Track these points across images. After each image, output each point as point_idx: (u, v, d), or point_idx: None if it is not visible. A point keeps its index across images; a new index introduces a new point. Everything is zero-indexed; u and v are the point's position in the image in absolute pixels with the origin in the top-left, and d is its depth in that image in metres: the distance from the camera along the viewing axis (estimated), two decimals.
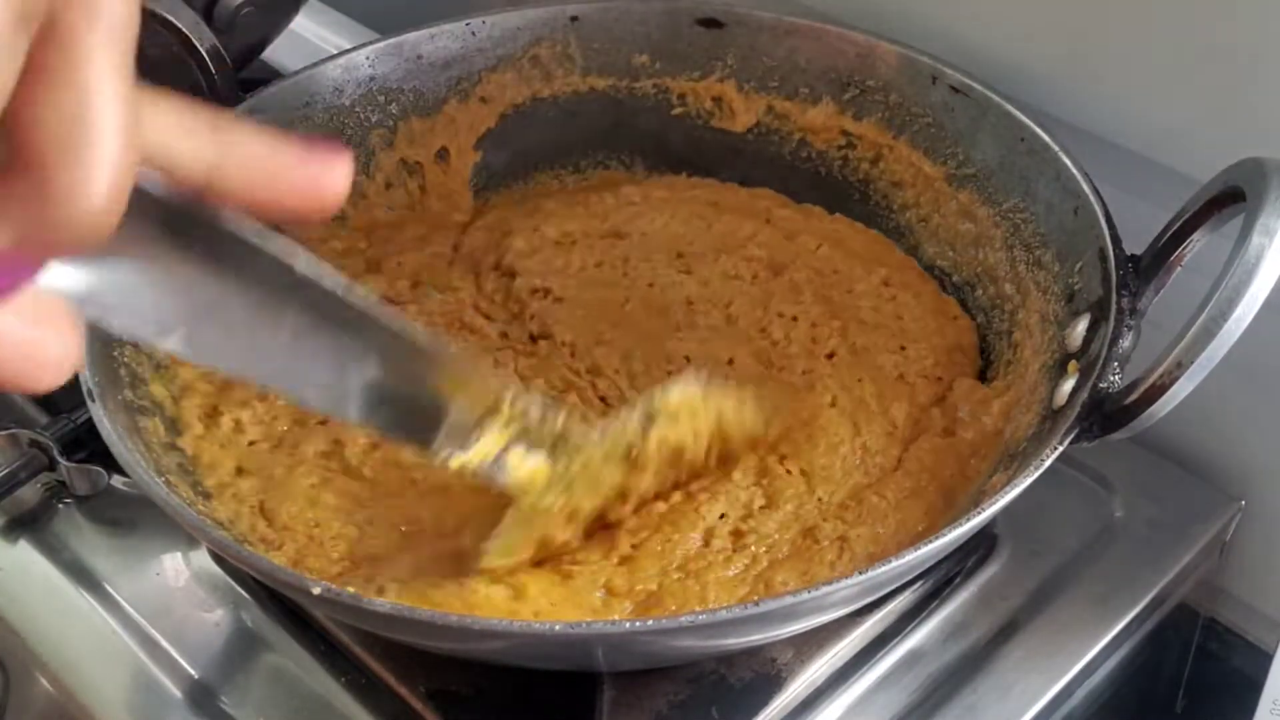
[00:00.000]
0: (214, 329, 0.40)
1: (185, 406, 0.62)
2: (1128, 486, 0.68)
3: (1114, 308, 0.54)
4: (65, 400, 0.68)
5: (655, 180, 0.79)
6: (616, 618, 0.54)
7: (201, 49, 0.68)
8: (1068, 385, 0.55)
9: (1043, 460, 0.50)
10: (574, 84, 0.78)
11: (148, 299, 0.38)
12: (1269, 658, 0.64)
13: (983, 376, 0.66)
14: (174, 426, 0.61)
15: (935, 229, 0.71)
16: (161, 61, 0.74)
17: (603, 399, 0.65)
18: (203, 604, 0.63)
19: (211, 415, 0.62)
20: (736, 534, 0.58)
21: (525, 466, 0.53)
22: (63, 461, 0.65)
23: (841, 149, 0.75)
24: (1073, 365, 0.56)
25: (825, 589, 0.46)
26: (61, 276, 0.33)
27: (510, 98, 0.78)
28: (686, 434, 0.57)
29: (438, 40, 0.76)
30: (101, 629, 0.62)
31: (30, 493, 0.68)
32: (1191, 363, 0.48)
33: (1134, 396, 0.50)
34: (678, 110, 0.78)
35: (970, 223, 0.69)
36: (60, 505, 0.67)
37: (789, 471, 0.60)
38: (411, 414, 0.49)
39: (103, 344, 0.58)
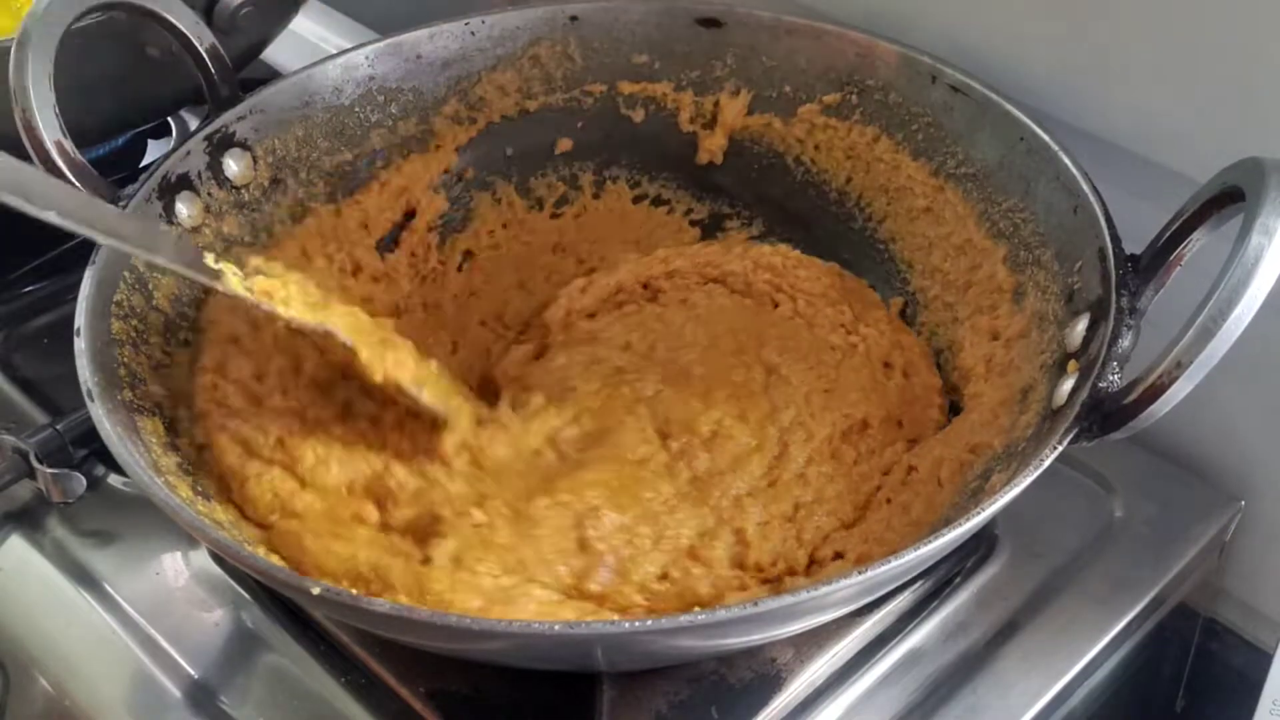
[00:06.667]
0: None
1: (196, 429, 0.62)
2: (1128, 486, 0.68)
3: (1113, 307, 0.54)
4: (65, 404, 0.68)
5: None
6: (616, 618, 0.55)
7: (201, 49, 0.68)
8: (1067, 385, 0.55)
9: (1043, 460, 0.50)
10: (575, 81, 0.78)
11: None
12: (1269, 658, 0.65)
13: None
14: (174, 427, 0.61)
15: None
16: (161, 61, 0.74)
17: None
18: (203, 604, 0.63)
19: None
20: None
21: None
22: (40, 468, 0.65)
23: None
24: (1072, 365, 0.56)
25: (825, 589, 0.46)
26: None
27: (512, 100, 0.78)
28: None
29: (437, 40, 0.76)
30: (101, 629, 0.62)
31: (29, 492, 0.68)
32: (1191, 362, 0.48)
33: (1134, 396, 0.50)
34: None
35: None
36: (60, 505, 0.67)
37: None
38: None
39: (103, 344, 0.58)
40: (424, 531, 0.59)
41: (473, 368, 0.72)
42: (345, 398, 0.65)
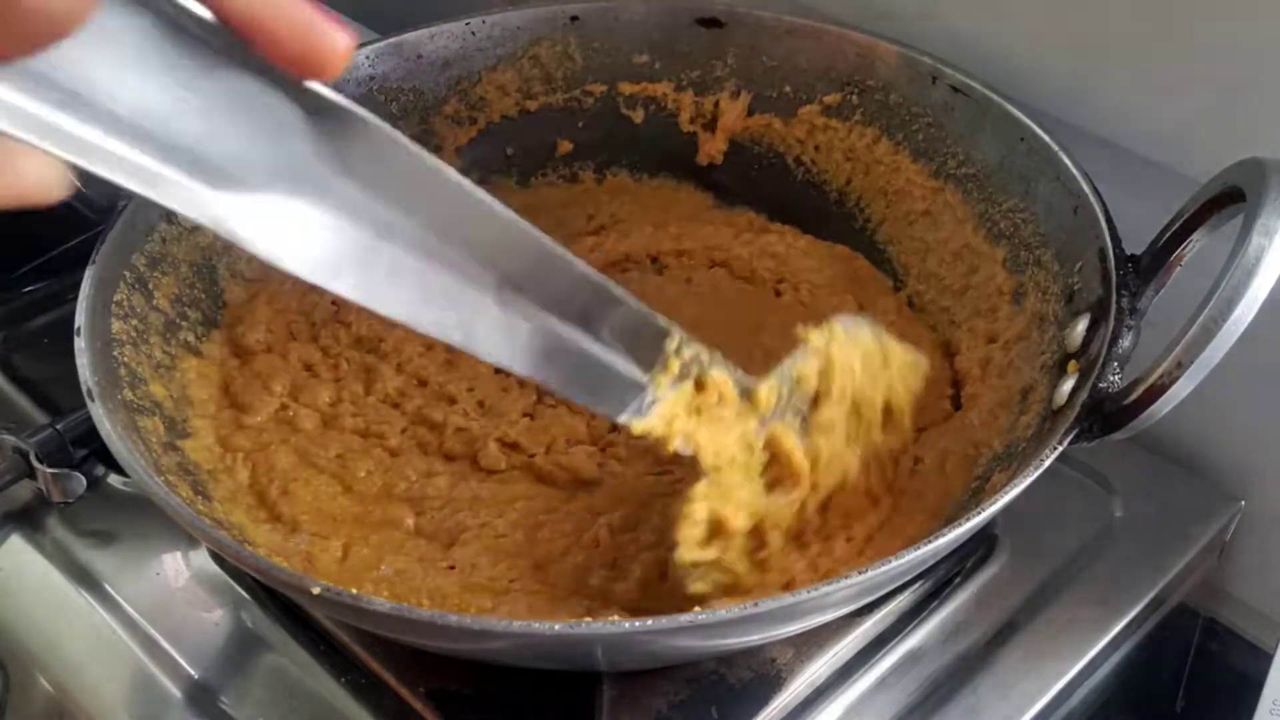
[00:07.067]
0: (380, 272, 0.41)
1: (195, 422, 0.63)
2: (1128, 486, 0.68)
3: (1114, 308, 0.54)
4: (65, 403, 0.68)
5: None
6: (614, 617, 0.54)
7: None
8: (1068, 385, 0.55)
9: (1042, 460, 0.50)
10: (575, 81, 0.78)
11: (312, 239, 0.39)
12: (1269, 658, 0.64)
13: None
14: (174, 427, 0.61)
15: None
16: None
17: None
18: (203, 604, 0.63)
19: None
20: None
21: (705, 431, 0.53)
22: (40, 468, 0.65)
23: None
24: (1072, 365, 0.56)
25: (825, 589, 0.46)
26: (230, 217, 0.36)
27: (512, 100, 0.78)
28: (855, 383, 0.57)
29: (438, 40, 0.76)
30: (101, 629, 0.62)
31: (29, 492, 0.68)
32: (1191, 363, 0.48)
33: (1134, 396, 0.50)
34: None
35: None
36: (60, 505, 0.67)
37: None
38: (582, 366, 0.49)
39: (103, 344, 0.58)
40: (449, 536, 0.60)
41: None
42: (416, 407, 0.66)
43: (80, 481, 0.66)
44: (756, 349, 0.68)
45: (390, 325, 0.69)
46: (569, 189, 0.80)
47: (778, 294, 0.73)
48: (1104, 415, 0.51)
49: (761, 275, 0.74)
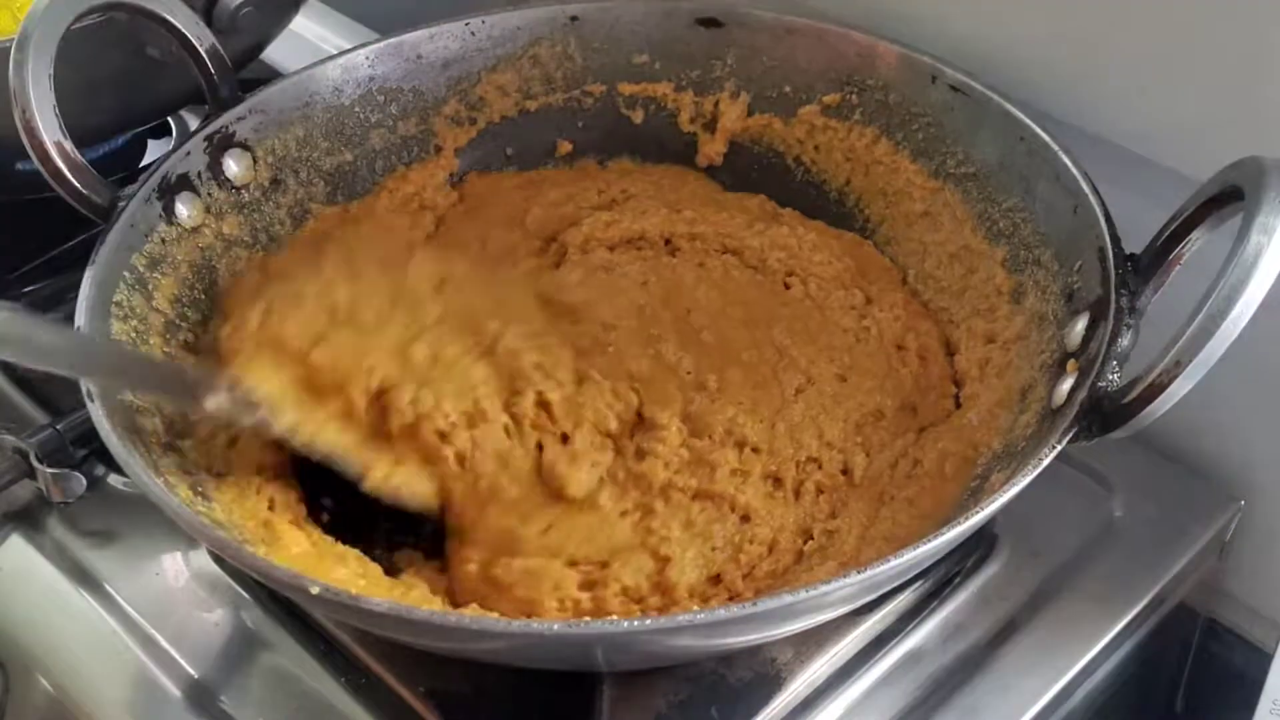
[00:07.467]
0: None
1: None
2: (1128, 486, 0.68)
3: (1113, 307, 0.54)
4: (65, 403, 0.68)
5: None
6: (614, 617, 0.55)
7: (201, 49, 0.68)
8: (1067, 384, 0.55)
9: (1041, 459, 0.50)
10: (575, 81, 0.79)
11: None
12: (1269, 658, 0.65)
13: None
14: (174, 427, 0.60)
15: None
16: (161, 61, 0.74)
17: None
18: (203, 604, 0.63)
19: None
20: None
21: None
22: (40, 468, 0.65)
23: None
24: (1072, 364, 0.56)
25: (824, 588, 0.46)
26: None
27: (512, 100, 0.78)
28: None
29: (437, 40, 0.76)
30: (101, 629, 0.62)
31: (29, 492, 0.68)
32: (1190, 362, 0.48)
33: (1133, 395, 0.50)
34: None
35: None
36: (60, 505, 0.67)
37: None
38: None
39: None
40: None
41: (501, 262, 0.73)
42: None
43: (80, 481, 0.66)
44: (768, 345, 0.68)
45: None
46: (574, 172, 0.80)
47: (786, 286, 0.73)
48: (1103, 414, 0.51)
49: (772, 265, 0.73)
